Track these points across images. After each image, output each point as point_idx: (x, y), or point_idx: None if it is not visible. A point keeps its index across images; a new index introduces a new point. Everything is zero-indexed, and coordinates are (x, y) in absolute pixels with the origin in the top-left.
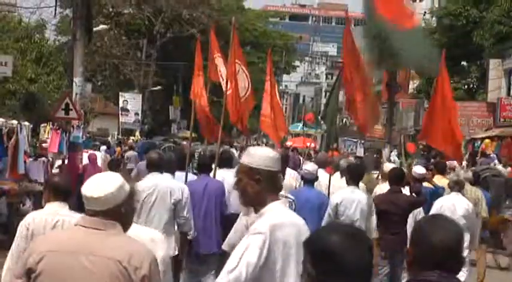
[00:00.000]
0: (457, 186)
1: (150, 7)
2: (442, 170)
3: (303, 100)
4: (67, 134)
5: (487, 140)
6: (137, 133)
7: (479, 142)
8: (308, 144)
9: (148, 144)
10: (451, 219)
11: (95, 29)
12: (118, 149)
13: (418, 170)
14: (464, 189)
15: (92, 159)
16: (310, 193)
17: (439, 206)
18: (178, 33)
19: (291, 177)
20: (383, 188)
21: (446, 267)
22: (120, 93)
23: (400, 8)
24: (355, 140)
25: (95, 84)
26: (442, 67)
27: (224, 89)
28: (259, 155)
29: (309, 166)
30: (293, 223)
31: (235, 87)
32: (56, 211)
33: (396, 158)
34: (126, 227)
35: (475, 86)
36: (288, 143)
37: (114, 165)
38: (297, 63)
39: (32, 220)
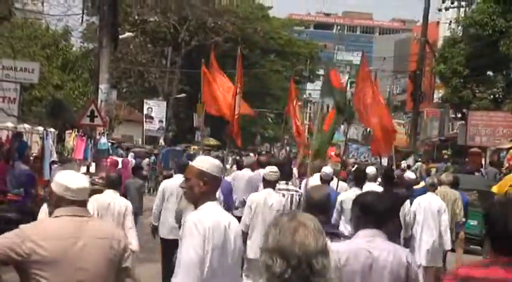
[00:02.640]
0: (432, 187)
1: (176, 15)
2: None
3: (327, 109)
4: (92, 141)
5: None
6: (161, 140)
7: (504, 152)
8: (332, 153)
9: (172, 151)
10: None
11: (120, 36)
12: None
13: (410, 175)
14: (444, 190)
15: (125, 164)
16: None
17: (417, 203)
18: (203, 41)
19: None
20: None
21: None
22: (144, 100)
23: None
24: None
25: (120, 91)
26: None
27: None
28: (210, 162)
29: (326, 169)
30: (220, 221)
31: (233, 107)
32: (111, 196)
33: (418, 164)
34: None
35: (500, 96)
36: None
37: (136, 170)
38: (321, 71)
39: (96, 201)
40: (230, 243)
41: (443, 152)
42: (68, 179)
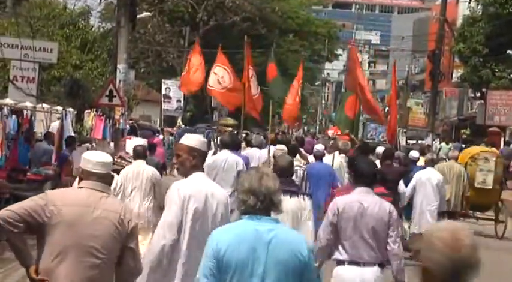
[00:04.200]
0: (431, 162)
1: None
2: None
3: (345, 88)
4: (110, 121)
5: None
6: (179, 120)
7: None
8: (339, 132)
9: (188, 130)
10: None
11: (138, 16)
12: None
13: (414, 154)
14: (451, 164)
15: (157, 141)
16: (319, 165)
17: (419, 177)
18: (221, 21)
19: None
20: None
21: None
22: (162, 80)
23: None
24: (397, 129)
25: (138, 71)
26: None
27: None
28: (197, 139)
29: (318, 146)
30: (202, 189)
31: (249, 88)
32: (139, 165)
33: (439, 144)
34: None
35: None
36: (330, 131)
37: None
38: (339, 51)
39: (126, 170)
40: (211, 210)
41: (462, 131)
42: (91, 154)
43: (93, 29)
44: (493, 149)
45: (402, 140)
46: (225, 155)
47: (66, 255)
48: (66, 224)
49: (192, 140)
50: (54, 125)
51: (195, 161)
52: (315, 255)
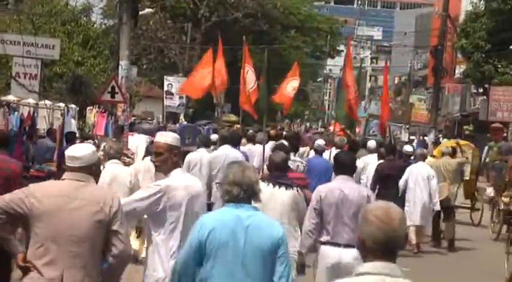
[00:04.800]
0: (421, 157)
1: None
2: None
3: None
4: (113, 117)
5: None
6: (181, 116)
7: None
8: (338, 129)
9: (188, 127)
10: None
11: (140, 12)
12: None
13: (408, 148)
14: (446, 161)
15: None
16: (319, 160)
17: (410, 170)
18: (223, 17)
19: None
20: (368, 159)
21: None
22: (164, 76)
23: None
24: (400, 124)
25: (140, 68)
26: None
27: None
28: (174, 136)
29: (319, 141)
30: (186, 185)
31: (244, 84)
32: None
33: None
34: (95, 180)
35: None
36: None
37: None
38: (341, 47)
39: (136, 166)
40: (195, 201)
41: (465, 127)
42: (70, 149)
43: (95, 25)
44: (468, 142)
45: (405, 136)
46: (225, 150)
47: (49, 245)
48: (46, 215)
49: (169, 137)
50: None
51: (175, 158)
52: (302, 239)
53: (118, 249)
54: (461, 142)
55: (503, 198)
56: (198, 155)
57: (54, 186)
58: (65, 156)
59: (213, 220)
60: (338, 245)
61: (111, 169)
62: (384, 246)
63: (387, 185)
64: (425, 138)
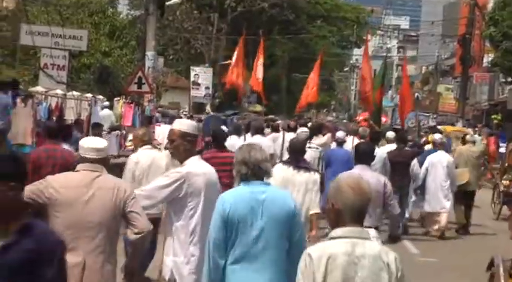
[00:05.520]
0: (441, 146)
1: None
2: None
3: (374, 74)
4: (140, 108)
5: None
6: (208, 107)
7: None
8: (361, 117)
9: (214, 117)
10: None
11: (167, 3)
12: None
13: (436, 136)
14: (468, 148)
15: None
16: (340, 151)
17: (430, 159)
18: (249, 7)
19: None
20: (385, 148)
21: None
22: (191, 67)
23: None
24: (427, 114)
25: (167, 59)
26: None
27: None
28: (189, 124)
29: (340, 133)
30: (204, 172)
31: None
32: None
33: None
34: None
35: None
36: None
37: None
38: (368, 37)
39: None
40: (210, 188)
41: (493, 116)
42: (88, 141)
43: (121, 16)
44: (464, 128)
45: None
46: (258, 139)
47: (69, 233)
48: (65, 204)
49: (184, 125)
50: (102, 114)
51: (188, 146)
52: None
53: (138, 227)
54: (457, 128)
55: (503, 181)
56: (230, 143)
57: (71, 177)
58: (82, 148)
59: (232, 197)
60: None
61: (148, 153)
62: (357, 212)
63: (398, 172)
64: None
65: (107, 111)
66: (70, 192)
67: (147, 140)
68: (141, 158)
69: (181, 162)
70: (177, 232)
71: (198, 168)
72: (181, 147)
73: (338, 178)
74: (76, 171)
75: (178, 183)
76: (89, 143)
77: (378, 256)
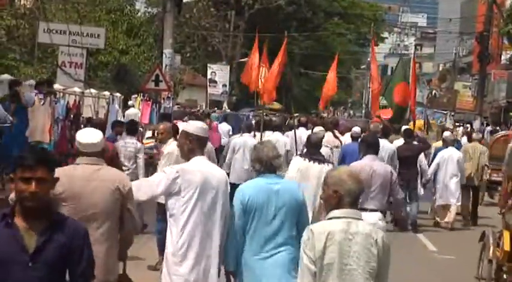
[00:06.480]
0: (451, 142)
1: None
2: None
3: (391, 72)
4: (157, 105)
5: None
6: (225, 104)
7: None
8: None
9: (230, 115)
10: None
11: (184, 0)
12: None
13: (446, 134)
14: (474, 145)
15: (213, 127)
16: (355, 146)
17: (441, 155)
18: (266, 5)
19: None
20: (398, 142)
21: None
22: (208, 64)
23: None
24: (445, 112)
25: (184, 56)
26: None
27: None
28: (195, 125)
29: (356, 129)
30: (201, 170)
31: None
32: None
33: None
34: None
35: None
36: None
37: None
38: (385, 34)
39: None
40: (212, 187)
41: (511, 114)
42: (83, 136)
43: (139, 14)
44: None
45: (449, 123)
46: (276, 136)
47: None
48: (70, 197)
49: (191, 126)
50: (128, 113)
51: (191, 145)
52: None
53: (130, 226)
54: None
55: (486, 169)
56: (242, 140)
57: (74, 171)
58: (79, 143)
59: (250, 187)
60: (365, 210)
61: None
62: (354, 197)
63: (406, 165)
64: (467, 125)
65: (133, 110)
66: (75, 185)
67: (173, 134)
68: (175, 150)
69: (186, 161)
70: (171, 226)
71: (197, 166)
72: (185, 147)
73: (338, 170)
74: (76, 164)
75: (171, 178)
76: (85, 137)
77: (369, 234)
